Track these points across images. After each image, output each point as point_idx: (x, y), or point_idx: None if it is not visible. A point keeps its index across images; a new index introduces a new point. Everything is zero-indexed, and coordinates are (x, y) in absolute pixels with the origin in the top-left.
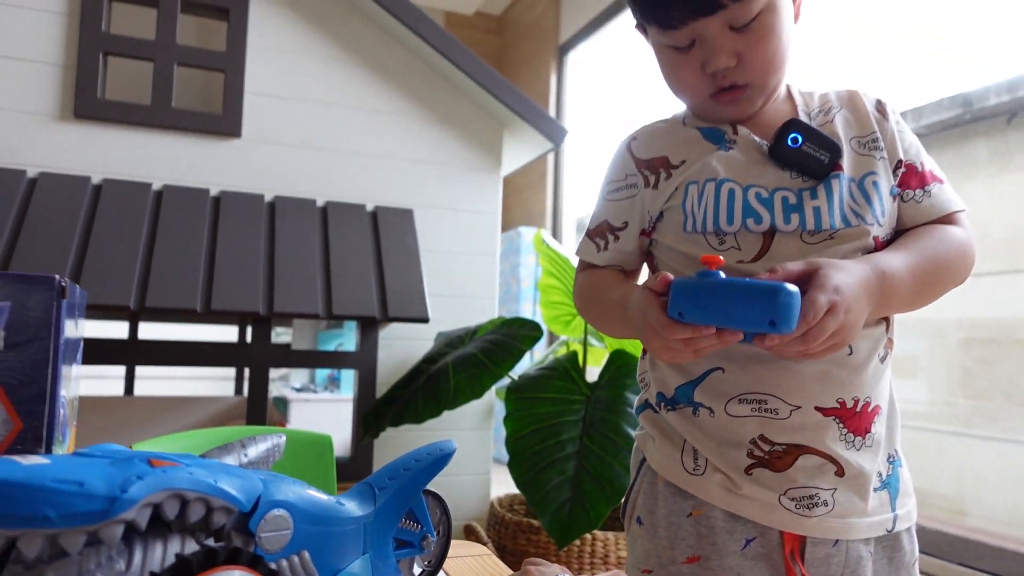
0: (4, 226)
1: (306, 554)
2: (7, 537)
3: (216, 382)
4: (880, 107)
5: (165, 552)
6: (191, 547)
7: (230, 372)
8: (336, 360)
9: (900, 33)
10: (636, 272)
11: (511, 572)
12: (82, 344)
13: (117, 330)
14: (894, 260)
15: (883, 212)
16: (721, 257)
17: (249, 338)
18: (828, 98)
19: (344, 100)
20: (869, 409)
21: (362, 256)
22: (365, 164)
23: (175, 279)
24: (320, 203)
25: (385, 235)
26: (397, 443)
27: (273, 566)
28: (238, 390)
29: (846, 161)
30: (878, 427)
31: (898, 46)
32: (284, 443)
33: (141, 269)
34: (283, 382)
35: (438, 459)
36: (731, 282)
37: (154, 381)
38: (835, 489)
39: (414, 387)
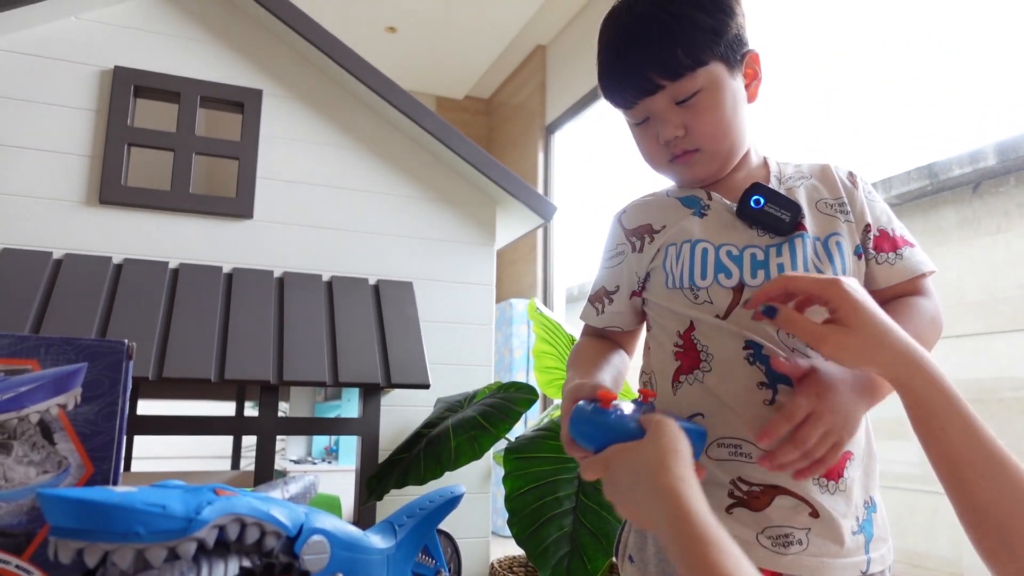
0: (32, 303)
1: None
2: (103, 551)
3: (212, 460)
4: (851, 178)
5: (226, 569)
6: (246, 566)
7: (226, 451)
8: (340, 427)
9: (872, 104)
10: (635, 332)
11: None
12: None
13: None
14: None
15: (844, 269)
16: (654, 391)
17: (247, 411)
18: (801, 169)
19: (348, 183)
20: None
21: (365, 326)
22: (368, 241)
23: (191, 350)
24: (326, 277)
25: (387, 306)
26: (399, 504)
27: None
28: (234, 466)
29: (809, 222)
30: (851, 472)
31: (870, 117)
32: (318, 482)
33: (159, 341)
34: (280, 455)
35: (449, 500)
36: (606, 419)
37: (150, 461)
38: (809, 529)
39: (416, 450)
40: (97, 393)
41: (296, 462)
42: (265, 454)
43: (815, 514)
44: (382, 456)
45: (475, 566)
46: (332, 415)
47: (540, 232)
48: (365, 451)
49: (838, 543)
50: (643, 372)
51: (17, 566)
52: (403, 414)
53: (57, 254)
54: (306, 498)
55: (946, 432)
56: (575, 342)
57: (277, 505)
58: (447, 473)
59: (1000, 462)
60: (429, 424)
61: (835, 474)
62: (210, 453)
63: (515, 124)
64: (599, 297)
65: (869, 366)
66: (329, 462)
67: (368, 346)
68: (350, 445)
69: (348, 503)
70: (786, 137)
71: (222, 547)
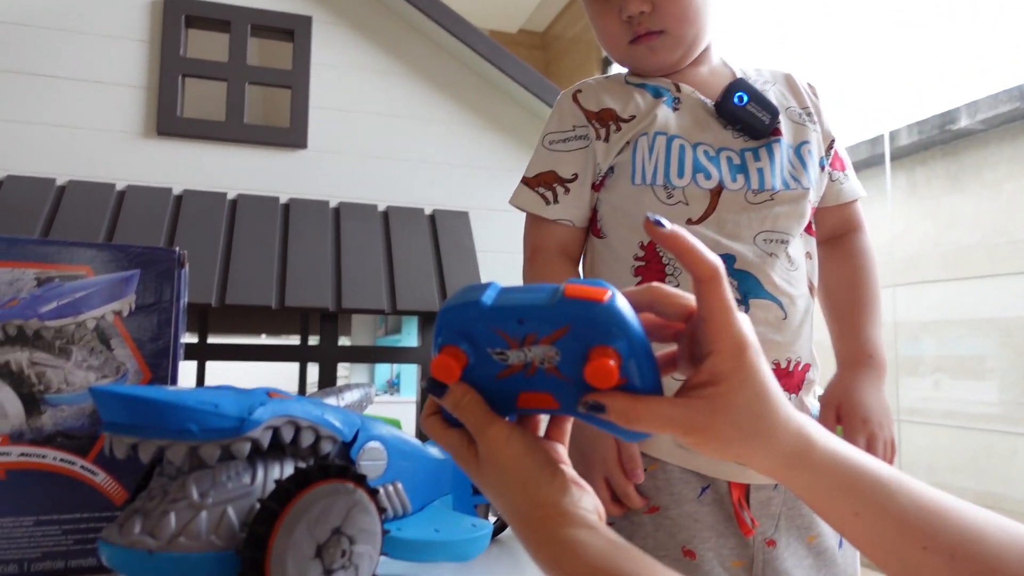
0: (99, 234)
1: (399, 484)
2: (158, 447)
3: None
4: (812, 89)
5: (282, 471)
6: (301, 467)
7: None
8: (399, 355)
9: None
10: (583, 233)
11: None
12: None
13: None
14: (873, 334)
15: (813, 180)
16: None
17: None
18: (762, 73)
19: (401, 111)
20: (800, 368)
21: (422, 256)
22: (422, 170)
23: (251, 279)
24: (381, 208)
25: (443, 236)
26: None
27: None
28: (301, 392)
29: (784, 128)
30: (807, 383)
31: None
32: (374, 392)
33: (220, 270)
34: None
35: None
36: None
37: None
38: None
39: None
40: (151, 301)
41: None
42: (327, 382)
43: None
44: None
45: None
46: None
47: None
48: (423, 381)
49: None
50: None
51: (82, 467)
52: None
53: (119, 186)
54: (362, 407)
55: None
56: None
57: (332, 411)
58: None
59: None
60: None
61: (795, 387)
62: (277, 386)
63: (571, 58)
64: (546, 182)
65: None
66: (391, 394)
67: (425, 275)
68: (411, 377)
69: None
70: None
71: (277, 450)
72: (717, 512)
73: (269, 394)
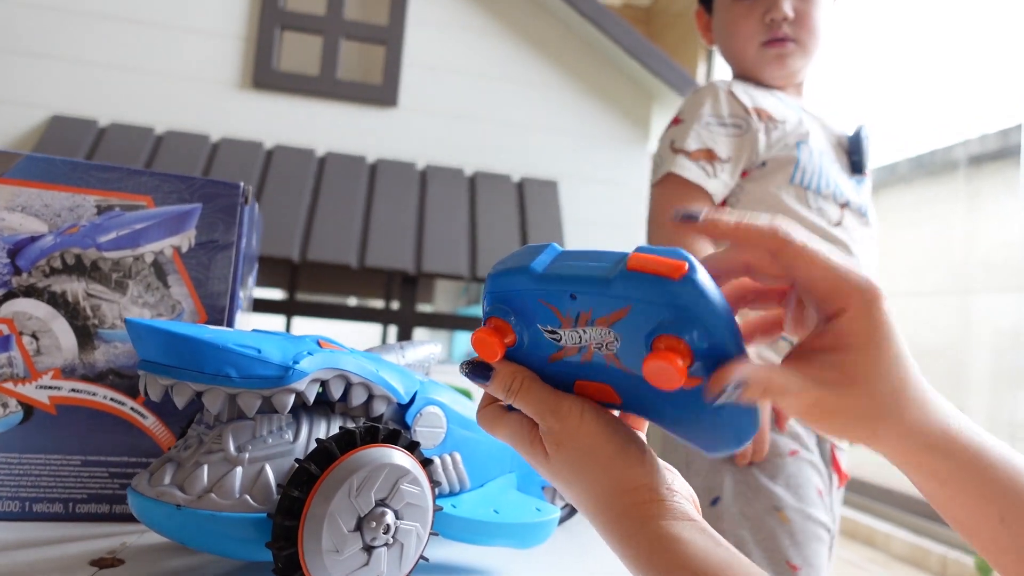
0: None
1: (458, 456)
2: (194, 391)
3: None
4: None
5: (328, 430)
6: (347, 427)
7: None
8: (477, 324)
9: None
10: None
11: None
12: (257, 264)
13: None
14: None
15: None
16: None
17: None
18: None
19: (495, 71)
20: None
21: (507, 224)
22: (513, 134)
23: (334, 237)
24: (468, 172)
25: (530, 205)
26: None
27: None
28: None
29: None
30: None
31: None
32: (439, 352)
33: (304, 227)
34: None
35: None
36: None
37: None
38: None
39: None
40: (212, 237)
41: (438, 363)
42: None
43: None
44: None
45: None
46: None
47: None
48: (463, 365)
49: None
50: None
51: (132, 408)
52: None
53: (213, 138)
54: (425, 368)
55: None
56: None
57: (389, 369)
58: None
59: None
60: None
61: None
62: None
63: (673, 33)
64: (707, 157)
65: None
66: None
67: (509, 244)
68: None
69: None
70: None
71: (326, 406)
72: (823, 463)
73: (320, 343)
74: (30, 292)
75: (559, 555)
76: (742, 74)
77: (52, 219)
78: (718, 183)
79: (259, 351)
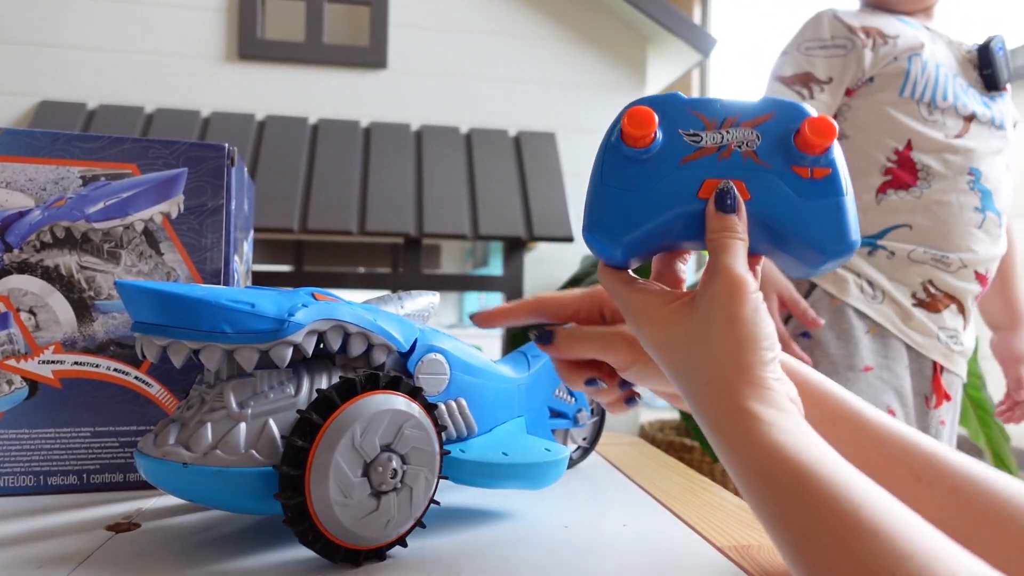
0: None
1: (463, 401)
2: (190, 349)
3: None
4: None
5: (329, 382)
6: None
7: None
8: (483, 283)
9: None
10: None
11: (667, 457)
12: (252, 233)
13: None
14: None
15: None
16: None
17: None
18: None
19: (485, 26)
20: (987, 283)
21: (506, 180)
22: (507, 89)
23: (333, 204)
24: (464, 130)
25: (528, 159)
26: None
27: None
28: None
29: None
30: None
31: None
32: (438, 302)
33: (302, 197)
34: (433, 321)
35: None
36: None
37: None
38: (962, 331)
39: None
40: (200, 202)
41: (448, 326)
42: None
43: (965, 317)
44: None
45: (622, 424)
46: None
47: (695, 78)
48: (534, 332)
49: (972, 341)
50: None
51: (136, 377)
52: (547, 271)
53: (204, 112)
54: (424, 318)
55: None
56: None
57: (388, 318)
58: None
59: None
60: (575, 280)
61: (979, 296)
62: None
63: None
64: (803, 81)
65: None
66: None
67: (509, 200)
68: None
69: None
70: None
71: (326, 359)
72: (918, 381)
73: (315, 295)
74: (23, 268)
75: (572, 496)
76: (872, 2)
77: (38, 193)
78: (816, 104)
79: (253, 305)
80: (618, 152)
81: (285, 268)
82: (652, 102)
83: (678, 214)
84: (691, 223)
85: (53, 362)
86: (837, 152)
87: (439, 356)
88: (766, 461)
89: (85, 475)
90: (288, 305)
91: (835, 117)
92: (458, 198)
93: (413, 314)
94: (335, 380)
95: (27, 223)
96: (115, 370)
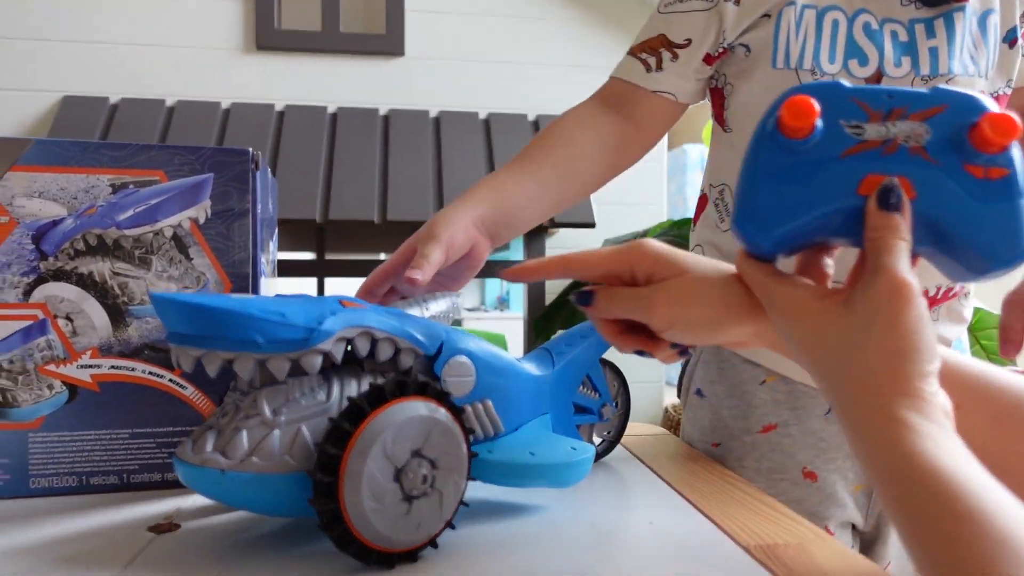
0: None
1: (489, 402)
2: (224, 359)
3: None
4: None
5: (359, 387)
6: (376, 383)
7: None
8: (506, 266)
9: None
10: (679, 111)
11: (693, 450)
12: (276, 229)
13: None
14: None
15: (992, 62)
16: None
17: None
18: None
19: (501, 8)
20: (939, 295)
21: None
22: (526, 73)
23: (354, 194)
24: (482, 115)
25: None
26: None
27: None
28: None
29: None
30: (953, 305)
31: None
32: (460, 302)
33: (323, 187)
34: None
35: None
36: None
37: None
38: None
39: None
40: (227, 206)
41: (470, 310)
42: None
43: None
44: (549, 298)
45: (647, 409)
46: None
47: None
48: (531, 294)
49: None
50: (710, 183)
51: (171, 380)
52: None
53: (224, 104)
54: (448, 318)
55: None
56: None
57: (413, 322)
58: None
59: None
60: None
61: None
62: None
63: None
64: (652, 47)
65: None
66: (501, 310)
67: None
68: (519, 294)
69: (518, 349)
70: None
71: (354, 364)
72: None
73: (342, 302)
74: (59, 275)
75: (598, 492)
76: None
77: (70, 202)
78: (660, 77)
79: (283, 315)
80: (774, 142)
81: (307, 256)
82: (812, 90)
83: (835, 209)
84: (848, 219)
85: (91, 366)
86: (1016, 152)
87: (465, 359)
88: (915, 471)
89: (125, 475)
90: (317, 313)
91: (719, 99)
92: None
93: (438, 316)
94: (364, 385)
95: (60, 231)
96: (151, 373)
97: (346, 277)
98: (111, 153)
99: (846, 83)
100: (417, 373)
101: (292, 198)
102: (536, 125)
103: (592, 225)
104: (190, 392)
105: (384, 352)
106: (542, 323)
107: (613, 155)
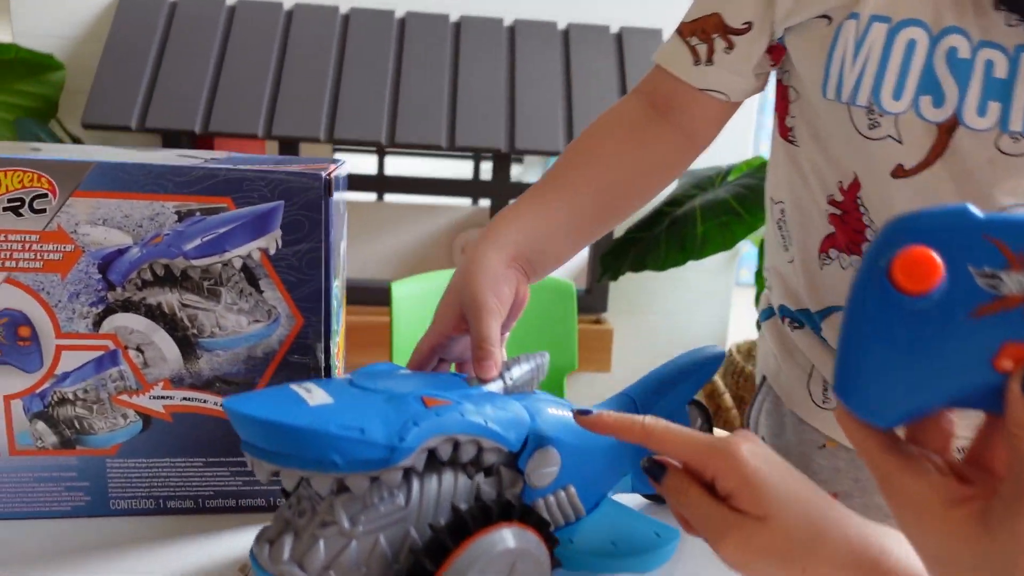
0: (268, 63)
1: (572, 489)
2: (299, 476)
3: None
4: None
5: (439, 487)
6: (463, 481)
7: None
8: None
9: None
10: (733, 111)
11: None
12: (346, 216)
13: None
14: None
15: None
16: None
17: (483, 174)
18: None
19: None
20: None
21: (605, 85)
22: None
23: (421, 115)
24: (561, 25)
25: (631, 60)
26: (633, 282)
27: (541, 503)
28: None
29: None
30: None
31: None
32: (547, 363)
33: (389, 105)
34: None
35: (703, 365)
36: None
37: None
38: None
39: (657, 231)
40: (298, 236)
41: None
42: None
43: None
44: (617, 232)
45: (710, 331)
46: None
47: None
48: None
49: None
50: (770, 196)
51: None
52: None
53: (287, 5)
54: (534, 384)
55: None
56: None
57: (498, 410)
58: (689, 262)
59: None
60: (673, 202)
61: None
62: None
63: None
64: (704, 31)
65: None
66: None
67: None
68: None
69: (579, 267)
70: None
71: (436, 463)
72: None
73: (425, 400)
74: (127, 306)
75: (677, 568)
76: None
77: (135, 230)
78: (711, 72)
79: (363, 431)
80: (884, 295)
81: (368, 172)
82: (933, 230)
83: (963, 384)
84: (984, 395)
85: (163, 398)
86: None
87: (550, 449)
88: None
89: (200, 500)
90: (399, 426)
91: (784, 106)
92: (553, 108)
93: (521, 383)
94: (446, 483)
95: (127, 261)
96: (222, 405)
97: (404, 194)
98: (175, 178)
99: (976, 211)
100: (500, 468)
101: (357, 118)
102: (619, 39)
103: None
104: None
105: (467, 453)
106: (609, 259)
107: (663, 172)
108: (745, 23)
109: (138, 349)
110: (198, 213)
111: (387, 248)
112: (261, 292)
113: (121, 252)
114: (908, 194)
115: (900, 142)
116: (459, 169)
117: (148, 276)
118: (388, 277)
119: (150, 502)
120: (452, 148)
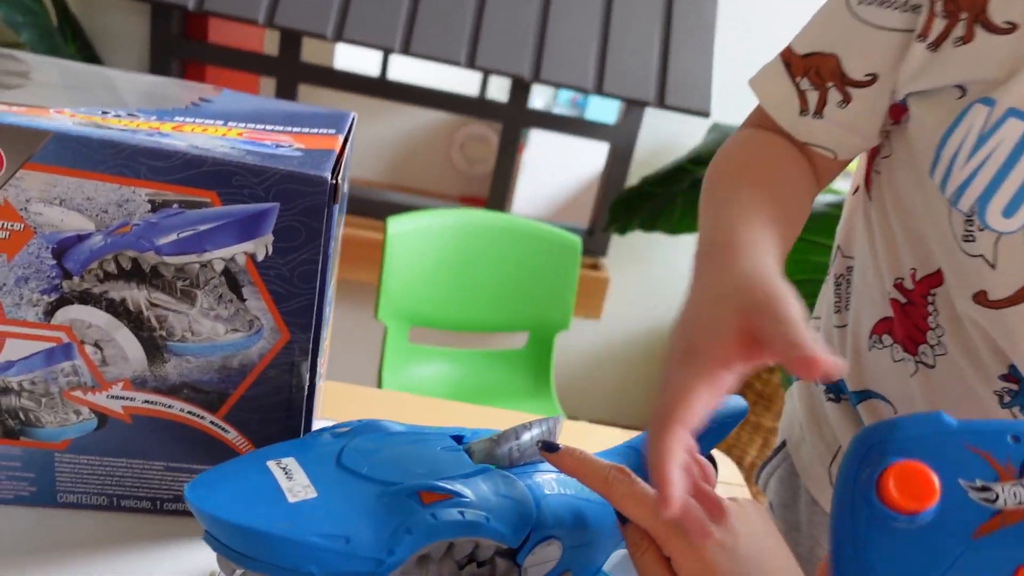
0: None
1: (570, 574)
2: None
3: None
4: None
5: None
6: (450, 570)
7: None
8: (592, 130)
9: None
10: (840, 168)
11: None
12: (344, 216)
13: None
14: None
15: None
16: None
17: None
18: None
19: None
20: None
21: (647, 28)
22: None
23: (441, 24)
24: None
25: (679, 5)
26: (642, 248)
27: None
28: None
29: None
30: None
31: None
32: (560, 426)
33: (408, 7)
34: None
35: (724, 426)
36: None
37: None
38: None
39: (674, 189)
40: (292, 244)
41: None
42: (509, 142)
43: None
44: (631, 180)
45: None
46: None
47: None
48: (614, 163)
49: None
50: (838, 244)
51: (212, 422)
52: (667, 132)
53: None
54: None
55: None
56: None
57: (502, 498)
58: None
59: None
60: (697, 160)
61: None
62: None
63: None
64: (818, 73)
65: None
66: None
67: (646, 51)
68: (599, 107)
69: (582, 181)
70: None
71: (425, 560)
72: None
73: (422, 496)
74: (85, 299)
75: None
76: None
77: (98, 215)
78: (818, 126)
79: (348, 541)
80: (874, 515)
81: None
82: (918, 442)
83: None
84: None
85: (123, 398)
86: None
87: (553, 543)
88: None
89: (159, 502)
90: (388, 533)
91: (872, 158)
92: (586, 41)
93: (530, 451)
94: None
95: (87, 248)
96: (189, 413)
97: (408, 104)
98: (150, 162)
99: (949, 418)
100: (495, 558)
101: (369, 19)
102: None
103: (707, 114)
104: (232, 436)
105: (462, 551)
106: (620, 210)
107: (814, 189)
108: (868, 75)
109: (96, 345)
110: (176, 205)
111: (385, 137)
112: (243, 300)
113: (81, 238)
114: (985, 323)
115: (992, 265)
116: (464, 78)
117: (112, 268)
118: (384, 178)
119: (103, 499)
120: (471, 66)
